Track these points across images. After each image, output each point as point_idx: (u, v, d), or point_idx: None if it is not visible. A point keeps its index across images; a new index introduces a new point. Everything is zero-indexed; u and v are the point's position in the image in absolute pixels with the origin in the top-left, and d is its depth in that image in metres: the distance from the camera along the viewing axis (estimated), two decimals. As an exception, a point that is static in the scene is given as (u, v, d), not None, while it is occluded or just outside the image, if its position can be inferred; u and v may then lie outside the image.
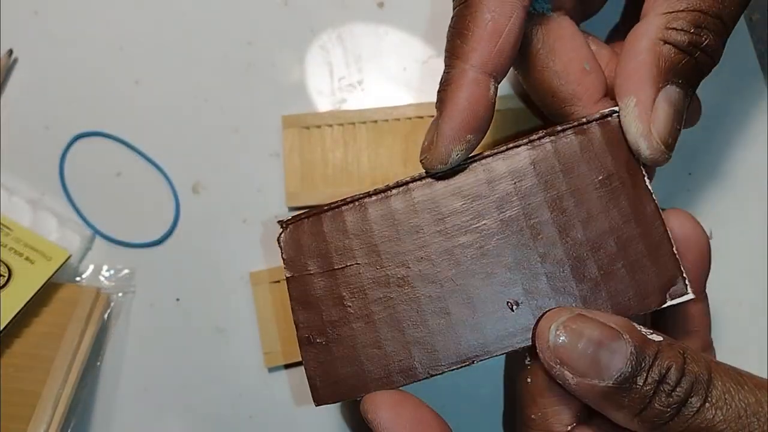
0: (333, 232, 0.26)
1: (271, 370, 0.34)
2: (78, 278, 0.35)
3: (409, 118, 0.35)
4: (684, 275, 0.24)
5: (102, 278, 0.35)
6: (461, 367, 0.25)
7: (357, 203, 0.26)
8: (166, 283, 0.35)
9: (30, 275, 0.33)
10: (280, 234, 0.26)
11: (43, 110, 0.36)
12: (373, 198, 0.26)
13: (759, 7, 0.36)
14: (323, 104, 0.37)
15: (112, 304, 0.35)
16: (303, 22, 0.37)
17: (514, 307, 0.25)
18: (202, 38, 0.37)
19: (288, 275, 0.26)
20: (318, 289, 0.26)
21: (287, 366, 0.34)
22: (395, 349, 0.25)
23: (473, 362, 0.25)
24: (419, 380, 0.25)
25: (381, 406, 0.24)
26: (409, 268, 0.26)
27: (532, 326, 0.25)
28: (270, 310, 0.34)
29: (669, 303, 0.24)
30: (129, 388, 0.35)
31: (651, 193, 0.25)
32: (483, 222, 0.25)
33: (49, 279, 0.33)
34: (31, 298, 0.33)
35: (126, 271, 0.35)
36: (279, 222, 0.26)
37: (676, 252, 0.24)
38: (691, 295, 0.24)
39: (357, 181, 0.35)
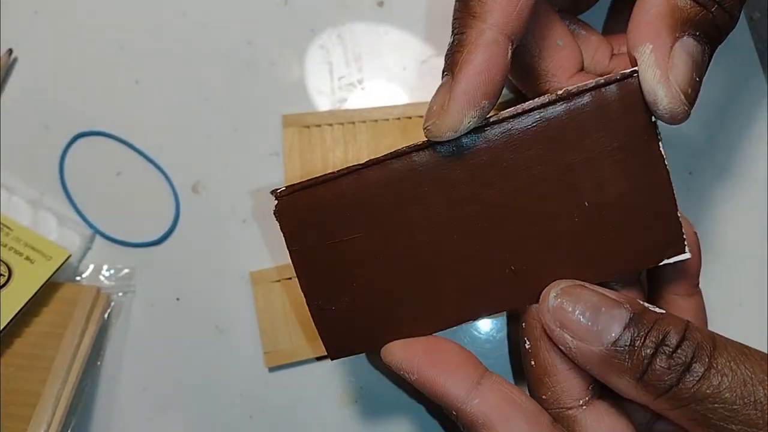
0: (333, 203, 0.26)
1: (271, 369, 0.34)
2: (78, 278, 0.35)
3: (409, 117, 0.35)
4: (684, 237, 0.25)
5: (102, 278, 0.35)
6: (464, 323, 0.26)
7: (356, 174, 0.25)
8: (166, 282, 0.35)
9: (30, 275, 0.33)
10: (276, 206, 0.26)
11: (43, 109, 0.36)
12: (373, 168, 0.25)
13: (759, 5, 0.36)
14: (323, 103, 0.36)
15: (112, 303, 0.35)
16: (303, 21, 0.37)
17: (517, 272, 0.25)
18: (202, 38, 0.37)
19: (291, 249, 0.26)
20: (322, 260, 0.26)
21: (287, 365, 0.34)
22: (402, 312, 0.26)
23: (472, 320, 0.26)
24: (425, 335, 0.26)
25: (394, 347, 0.25)
26: (413, 236, 0.26)
27: (532, 288, 0.25)
28: (270, 309, 0.34)
29: (666, 261, 0.25)
30: (129, 387, 0.35)
31: (664, 159, 0.24)
32: (488, 192, 0.25)
33: (49, 278, 0.33)
34: (31, 297, 0.33)
35: (126, 270, 0.35)
36: (272, 192, 0.26)
37: (680, 215, 0.25)
38: (687, 255, 0.25)
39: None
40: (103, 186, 0.36)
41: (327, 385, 0.34)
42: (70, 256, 0.34)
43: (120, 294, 0.35)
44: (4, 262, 0.33)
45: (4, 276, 0.33)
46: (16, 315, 0.32)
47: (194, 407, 0.34)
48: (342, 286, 0.26)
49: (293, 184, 0.25)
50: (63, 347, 0.33)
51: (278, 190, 0.25)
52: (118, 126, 0.36)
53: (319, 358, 0.34)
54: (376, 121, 0.35)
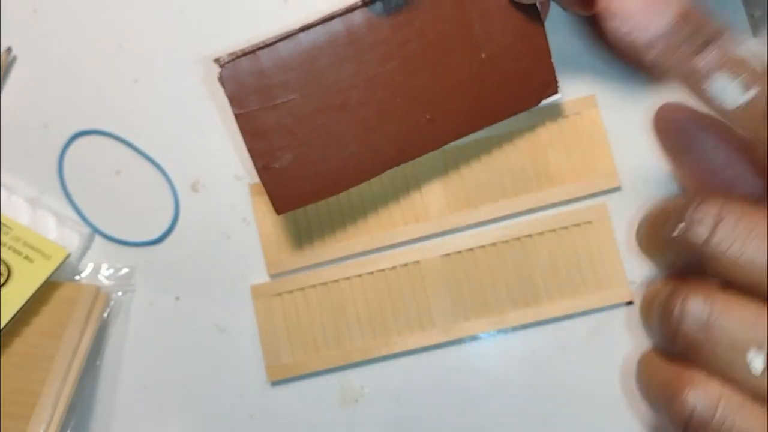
0: (272, 68, 0.28)
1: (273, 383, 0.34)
2: (77, 277, 0.35)
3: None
4: (557, 80, 0.30)
5: (101, 277, 0.35)
6: (392, 168, 0.30)
7: (292, 38, 0.28)
8: (165, 281, 0.35)
9: (29, 274, 0.33)
10: (220, 73, 0.28)
11: (42, 108, 0.36)
12: (307, 32, 0.28)
13: (760, 3, 0.36)
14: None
15: (111, 302, 0.35)
16: (303, 20, 0.37)
17: (431, 121, 0.30)
18: (201, 36, 0.37)
19: (236, 112, 0.29)
20: (266, 121, 0.29)
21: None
22: (338, 163, 0.29)
23: (400, 164, 0.30)
24: (360, 183, 0.30)
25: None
26: (345, 93, 0.29)
27: (446, 133, 0.30)
28: (271, 323, 0.34)
29: (544, 102, 0.30)
30: (129, 387, 0.34)
31: (539, 12, 0.29)
32: (407, 48, 0.29)
33: (48, 278, 0.33)
34: (31, 296, 0.32)
35: (125, 269, 0.35)
36: (215, 60, 0.28)
37: (552, 62, 0.30)
38: (559, 95, 0.30)
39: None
40: (103, 185, 0.36)
41: (327, 384, 0.34)
42: (69, 255, 0.34)
43: (119, 293, 0.35)
44: (3, 262, 0.33)
45: (3, 275, 0.33)
46: (15, 314, 0.32)
47: (194, 406, 0.34)
48: (284, 145, 0.29)
49: (235, 52, 0.28)
50: (62, 346, 0.33)
51: (221, 58, 0.28)
52: (118, 125, 0.36)
53: (323, 372, 0.34)
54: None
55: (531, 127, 0.34)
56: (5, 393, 0.32)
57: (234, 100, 0.28)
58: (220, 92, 0.36)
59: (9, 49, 0.36)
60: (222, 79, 0.28)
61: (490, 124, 0.30)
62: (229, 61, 0.28)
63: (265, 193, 0.29)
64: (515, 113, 0.31)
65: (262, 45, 0.28)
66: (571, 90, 0.35)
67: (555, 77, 0.30)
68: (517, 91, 0.30)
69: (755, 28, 0.35)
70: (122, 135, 0.36)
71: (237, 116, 0.29)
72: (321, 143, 0.29)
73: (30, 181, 0.36)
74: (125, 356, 0.35)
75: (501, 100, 0.30)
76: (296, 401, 0.34)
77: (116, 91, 0.36)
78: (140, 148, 0.36)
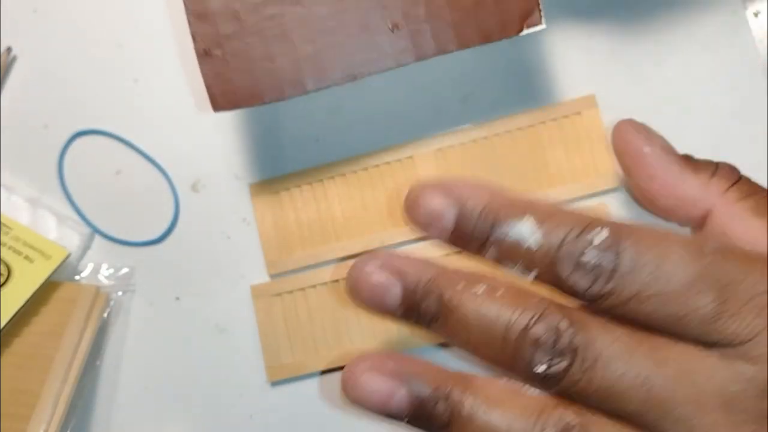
0: None
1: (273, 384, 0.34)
2: (77, 277, 0.35)
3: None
4: (540, 8, 0.28)
5: (101, 277, 0.35)
6: (346, 82, 0.28)
7: None
8: (165, 281, 0.35)
9: (29, 274, 0.33)
10: None
11: (42, 108, 0.36)
12: None
13: (760, 4, 0.36)
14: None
15: (111, 302, 0.35)
16: None
17: (395, 30, 0.28)
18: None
19: None
20: (214, 3, 0.27)
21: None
22: (287, 64, 0.28)
23: (356, 78, 0.28)
24: (307, 93, 0.28)
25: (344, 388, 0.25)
26: None
27: (409, 49, 0.28)
28: (271, 323, 0.34)
29: (526, 31, 0.28)
30: (129, 387, 0.34)
31: None
32: None
33: (48, 277, 0.33)
34: (31, 296, 0.32)
35: (125, 269, 0.35)
36: None
37: None
38: (543, 26, 0.28)
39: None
40: (103, 185, 0.36)
41: (327, 384, 0.34)
42: (69, 255, 0.34)
43: (119, 293, 0.35)
44: (3, 262, 0.33)
45: (3, 275, 0.33)
46: (15, 314, 0.32)
47: (194, 407, 0.34)
48: (230, 32, 0.27)
49: None
50: (62, 346, 0.33)
51: None
52: (118, 125, 0.36)
53: (323, 372, 0.34)
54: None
55: (531, 127, 0.34)
56: (5, 393, 0.32)
57: None
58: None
59: (9, 49, 0.36)
60: None
61: (463, 47, 0.28)
62: None
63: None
64: (493, 40, 0.28)
65: None
66: (571, 90, 0.35)
67: (538, 5, 0.28)
68: (496, 15, 0.28)
69: (755, 27, 0.35)
70: (122, 135, 0.36)
71: None
72: (269, 37, 0.27)
73: (30, 181, 0.36)
74: (125, 356, 0.35)
75: (477, 21, 0.28)
76: (296, 401, 0.34)
77: (116, 91, 0.36)
78: (140, 148, 0.36)
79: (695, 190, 0.26)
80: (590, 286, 0.21)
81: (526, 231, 0.23)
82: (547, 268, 0.22)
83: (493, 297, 0.23)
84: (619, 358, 0.21)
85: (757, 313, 0.20)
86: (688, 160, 0.28)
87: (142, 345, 0.35)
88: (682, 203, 0.26)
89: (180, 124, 0.36)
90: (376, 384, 0.24)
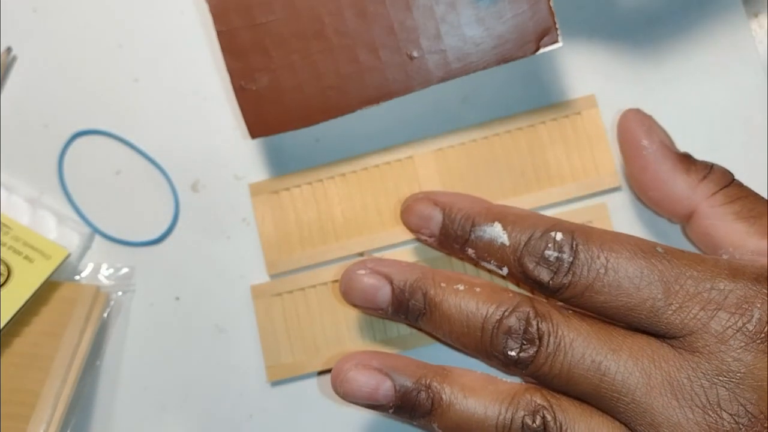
0: None
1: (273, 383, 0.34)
2: (77, 277, 0.35)
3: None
4: (557, 27, 0.29)
5: (101, 277, 0.35)
6: (370, 106, 0.30)
7: None
8: (165, 281, 0.35)
9: (29, 274, 0.33)
10: None
11: (42, 108, 0.36)
12: None
13: (760, 4, 0.36)
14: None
15: (111, 302, 0.35)
16: None
17: (414, 58, 0.29)
18: (201, 36, 0.37)
19: (218, 29, 0.30)
20: (245, 41, 0.30)
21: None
22: (314, 92, 0.30)
23: (379, 102, 0.30)
24: (335, 117, 0.30)
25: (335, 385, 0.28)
26: (323, 22, 0.29)
27: (430, 72, 0.29)
28: (271, 323, 0.34)
29: (542, 50, 0.29)
30: (129, 387, 0.35)
31: None
32: None
33: (48, 277, 0.33)
34: (31, 296, 0.32)
35: (125, 269, 0.35)
36: None
37: (551, 6, 0.29)
38: (560, 44, 0.29)
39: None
40: (103, 185, 0.36)
41: (327, 384, 0.34)
42: (69, 255, 0.34)
43: (119, 293, 0.35)
44: (3, 262, 0.33)
45: (3, 275, 0.33)
46: (15, 314, 0.32)
47: (194, 407, 0.34)
48: (261, 67, 0.30)
49: None
50: (62, 346, 0.33)
51: None
52: (118, 125, 0.36)
53: (320, 372, 0.34)
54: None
55: (531, 127, 0.34)
56: (5, 393, 0.32)
57: (216, 16, 0.30)
58: (221, 90, 0.36)
59: (9, 49, 0.36)
60: None
61: (481, 68, 0.30)
62: None
63: (244, 115, 0.31)
64: (509, 60, 0.30)
65: None
66: (571, 90, 0.35)
67: (555, 24, 0.29)
68: (512, 36, 0.29)
69: (755, 27, 0.35)
70: (122, 135, 0.36)
71: (218, 33, 0.30)
72: (297, 70, 0.29)
73: (30, 180, 0.36)
74: (125, 356, 0.35)
75: (494, 43, 0.29)
76: (296, 401, 0.34)
77: (116, 91, 0.36)
78: (140, 148, 0.36)
79: (683, 189, 0.28)
80: (551, 278, 0.24)
81: (498, 232, 0.26)
82: (516, 263, 0.25)
83: (473, 293, 0.26)
84: (578, 346, 0.23)
85: (701, 307, 0.22)
86: (683, 159, 0.29)
87: (142, 345, 0.35)
88: (668, 199, 0.28)
89: (180, 124, 0.36)
90: (364, 378, 0.26)
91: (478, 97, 0.35)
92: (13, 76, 0.37)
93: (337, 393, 0.27)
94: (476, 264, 0.29)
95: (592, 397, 0.23)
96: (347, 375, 0.26)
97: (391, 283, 0.27)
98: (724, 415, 0.21)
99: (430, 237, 0.29)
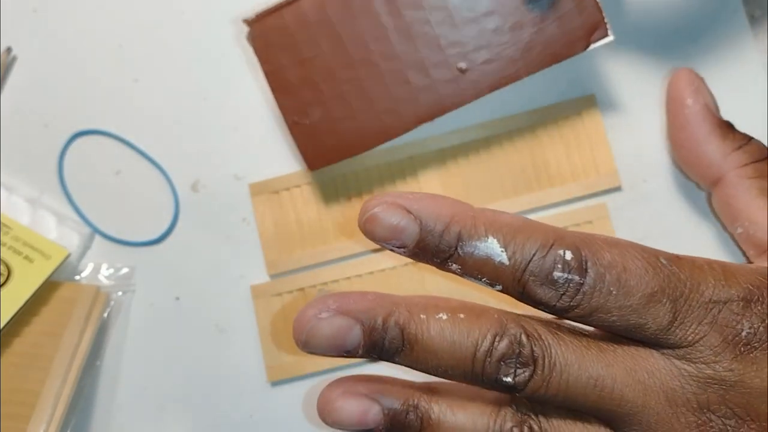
0: (296, 25, 0.29)
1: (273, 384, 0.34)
2: (77, 277, 0.35)
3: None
4: (606, 21, 0.29)
5: (101, 277, 0.35)
6: (424, 123, 0.30)
7: None
8: (165, 281, 0.35)
9: (29, 274, 0.33)
10: (248, 33, 0.30)
11: (42, 108, 0.36)
12: None
13: (760, 4, 0.36)
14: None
15: (111, 302, 0.35)
16: None
17: (462, 73, 0.29)
18: (201, 36, 0.37)
19: (265, 69, 0.30)
20: (293, 78, 0.30)
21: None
22: (367, 118, 0.30)
23: (432, 119, 0.30)
24: (390, 140, 0.30)
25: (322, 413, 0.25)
26: (370, 49, 0.29)
27: (480, 84, 0.29)
28: (272, 323, 0.34)
29: (593, 46, 0.29)
30: (129, 387, 0.35)
31: None
32: None
33: (48, 277, 0.33)
34: (31, 296, 0.32)
35: (125, 269, 0.35)
36: (244, 21, 0.30)
37: (599, 1, 0.29)
38: (611, 38, 0.29)
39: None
40: (103, 185, 0.36)
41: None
42: (69, 255, 0.34)
43: (119, 293, 0.35)
44: (3, 262, 0.33)
45: (3, 275, 0.33)
46: (15, 314, 0.32)
47: (194, 407, 0.34)
48: (312, 101, 0.30)
49: (261, 12, 0.29)
50: (62, 346, 0.33)
51: (248, 19, 0.29)
52: (118, 124, 0.36)
53: (323, 372, 0.34)
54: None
55: (531, 127, 0.34)
56: (5, 393, 0.32)
57: (262, 57, 0.30)
58: (220, 91, 0.36)
59: (9, 49, 0.36)
60: (250, 38, 0.30)
61: (531, 73, 0.29)
62: (256, 21, 0.29)
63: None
64: (560, 60, 0.29)
65: (284, 3, 0.29)
66: (571, 90, 0.35)
67: (603, 17, 0.29)
68: (561, 35, 0.29)
69: (755, 28, 0.35)
70: (122, 135, 0.36)
71: (266, 73, 0.30)
72: (348, 99, 0.30)
73: (30, 181, 0.36)
74: (125, 356, 0.35)
75: (543, 45, 0.29)
76: (296, 401, 0.34)
77: (116, 91, 0.36)
78: (140, 148, 0.36)
79: (714, 154, 0.29)
80: (558, 301, 0.23)
81: (494, 249, 0.23)
82: (516, 284, 0.23)
83: (456, 321, 0.23)
84: (573, 364, 0.23)
85: (700, 321, 0.22)
86: (722, 125, 0.30)
87: (142, 345, 0.35)
88: (699, 161, 0.29)
89: (180, 124, 0.36)
90: (351, 406, 0.25)
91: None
92: (13, 76, 0.37)
93: (326, 423, 0.25)
94: (458, 276, 0.26)
95: (591, 411, 0.23)
96: (335, 405, 0.25)
97: (360, 322, 0.24)
98: (713, 417, 0.22)
99: (400, 248, 0.25)
